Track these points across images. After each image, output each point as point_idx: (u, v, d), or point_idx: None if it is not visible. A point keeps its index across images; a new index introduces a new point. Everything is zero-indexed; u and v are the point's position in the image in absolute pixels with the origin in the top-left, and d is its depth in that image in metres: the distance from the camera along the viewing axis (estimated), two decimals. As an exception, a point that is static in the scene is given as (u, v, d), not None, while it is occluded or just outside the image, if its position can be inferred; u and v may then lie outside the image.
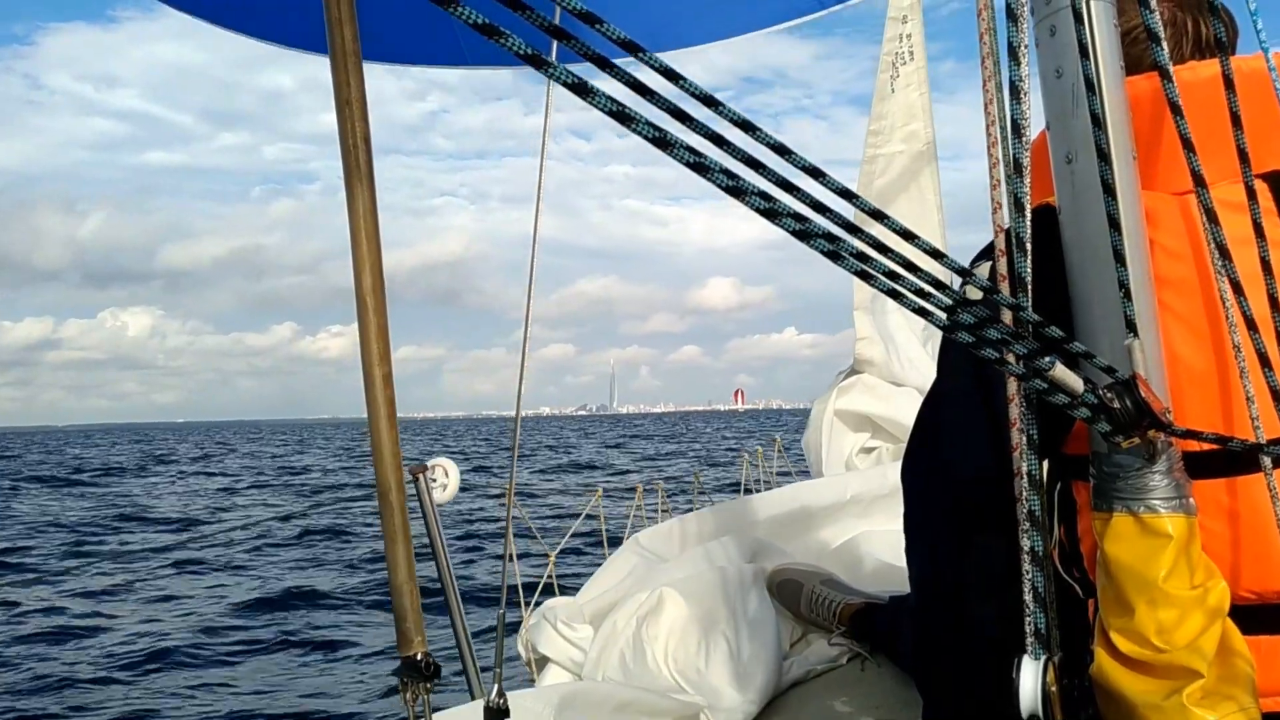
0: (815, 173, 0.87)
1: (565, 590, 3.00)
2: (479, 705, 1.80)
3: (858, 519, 3.48)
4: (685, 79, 0.79)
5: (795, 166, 0.86)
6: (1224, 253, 1.23)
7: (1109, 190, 1.16)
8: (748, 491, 4.73)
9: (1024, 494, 1.17)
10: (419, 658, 1.40)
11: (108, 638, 9.86)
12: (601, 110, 0.74)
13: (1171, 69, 1.22)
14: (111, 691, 8.04)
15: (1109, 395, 1.08)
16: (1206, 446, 1.19)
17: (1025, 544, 1.16)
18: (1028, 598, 1.15)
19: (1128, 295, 1.15)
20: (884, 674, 2.52)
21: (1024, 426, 1.17)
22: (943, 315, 0.97)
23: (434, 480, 2.20)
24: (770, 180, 0.86)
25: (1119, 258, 1.15)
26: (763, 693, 2.43)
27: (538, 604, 2.82)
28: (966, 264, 1.55)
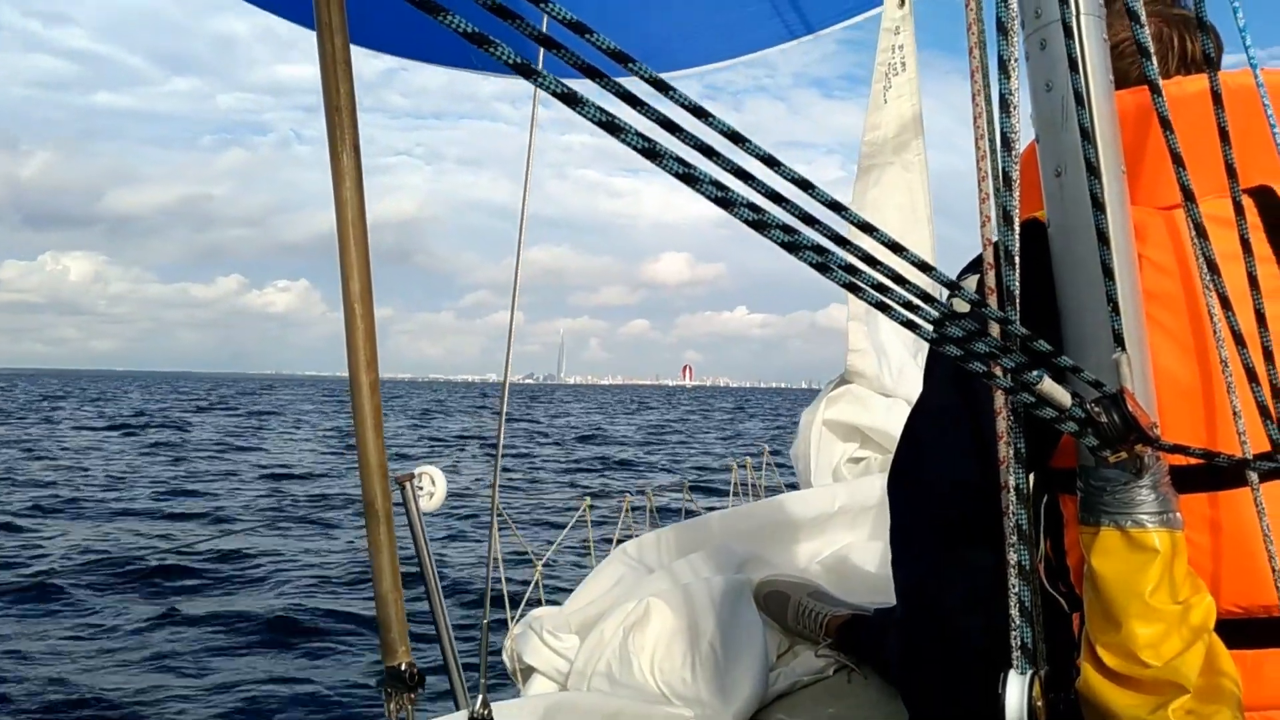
0: (804, 184, 0.87)
1: (551, 600, 2.99)
2: (463, 716, 1.79)
3: (845, 530, 3.48)
4: (675, 90, 0.79)
5: (784, 179, 0.86)
6: (1213, 268, 1.23)
7: (1098, 205, 1.16)
8: (736, 501, 4.72)
9: (1011, 508, 1.17)
10: (403, 667, 1.39)
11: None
12: (590, 120, 0.74)
13: (1161, 84, 1.22)
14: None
15: (1096, 409, 1.08)
16: (1193, 461, 1.19)
17: (1012, 558, 1.16)
18: (1014, 612, 1.15)
19: (1116, 310, 1.15)
20: (870, 686, 2.52)
21: (1011, 440, 1.17)
22: (930, 328, 0.97)
23: (420, 489, 2.18)
24: (759, 192, 0.85)
25: (1107, 272, 1.15)
26: (749, 704, 2.43)
27: (524, 613, 2.81)
28: (956, 273, 1.56)
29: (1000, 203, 1.17)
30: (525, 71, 0.71)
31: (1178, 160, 1.20)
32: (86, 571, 11.84)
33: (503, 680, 2.94)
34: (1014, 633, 1.14)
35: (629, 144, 0.77)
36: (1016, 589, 1.15)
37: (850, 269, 0.90)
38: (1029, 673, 1.13)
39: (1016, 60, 1.18)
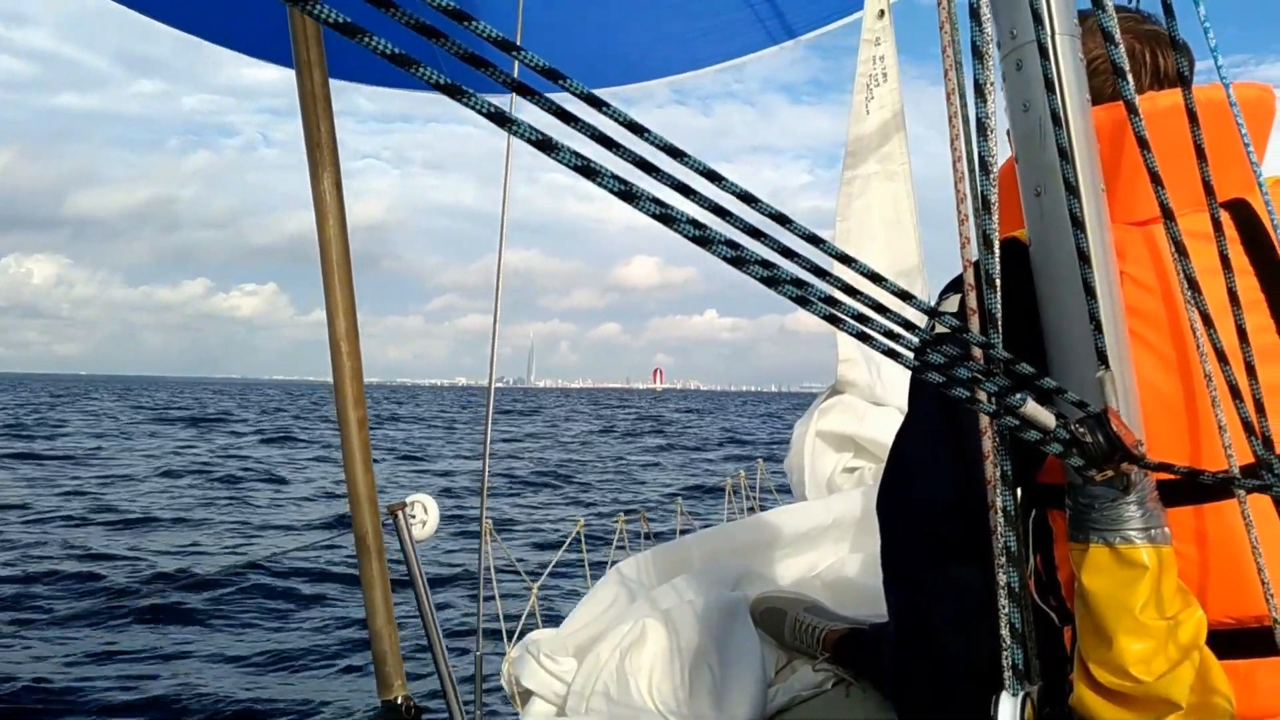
0: (781, 219, 0.88)
1: (548, 622, 2.98)
2: None
3: (841, 542, 3.47)
4: (649, 131, 0.80)
5: (762, 214, 0.87)
6: (1193, 285, 1.24)
7: (1078, 223, 1.17)
8: (730, 516, 4.72)
9: (999, 529, 1.17)
10: (399, 701, 1.39)
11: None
12: (566, 165, 0.74)
13: (1138, 103, 1.23)
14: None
15: (1081, 430, 1.09)
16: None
17: (1001, 579, 1.16)
18: (1004, 633, 1.15)
19: (1098, 327, 1.15)
20: (869, 699, 2.51)
21: (997, 461, 1.18)
22: (911, 356, 0.97)
23: (413, 517, 2.18)
24: (737, 227, 0.86)
25: (1089, 290, 1.16)
26: None
27: (520, 636, 2.80)
28: (942, 287, 1.57)
29: (980, 225, 1.17)
30: (499, 120, 0.71)
31: (1156, 179, 1.21)
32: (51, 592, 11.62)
33: (502, 705, 2.93)
34: (1005, 654, 1.15)
35: (605, 186, 0.77)
36: (1007, 611, 1.15)
37: (830, 300, 0.90)
38: (1021, 694, 1.13)
39: (992, 83, 1.18)
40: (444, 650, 2.07)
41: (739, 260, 0.84)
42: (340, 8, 0.70)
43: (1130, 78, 1.23)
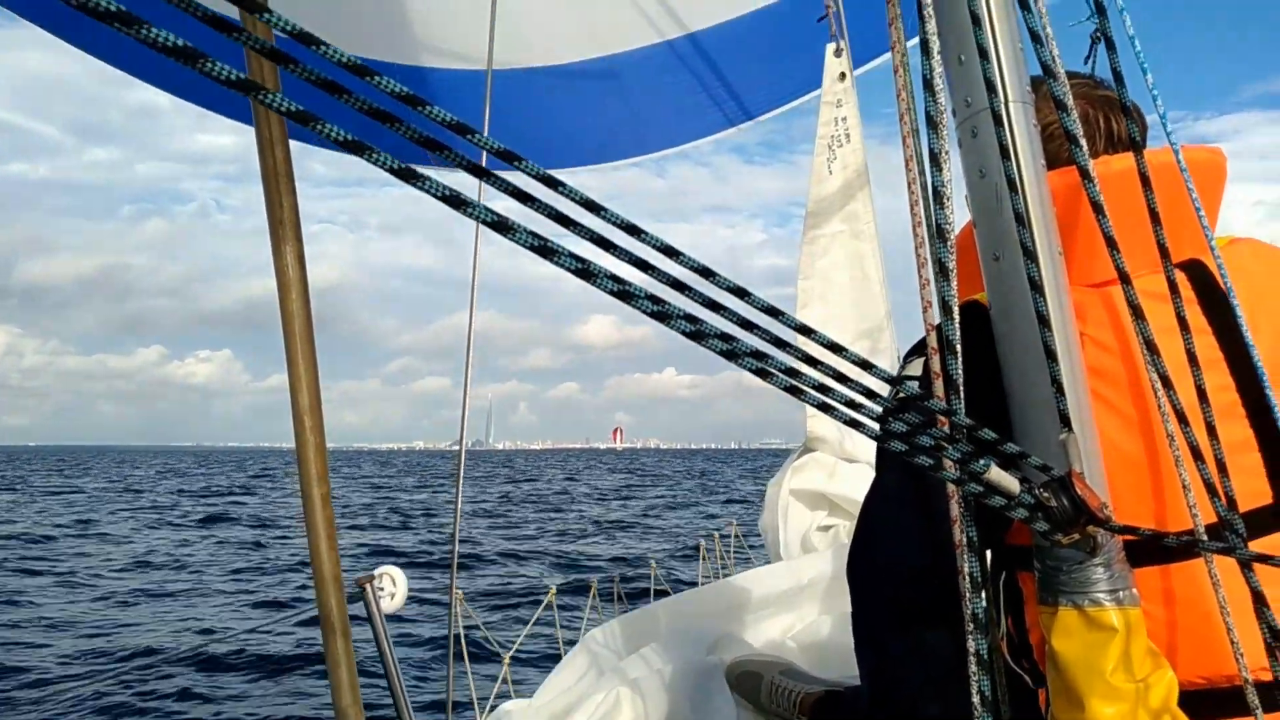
0: (740, 292, 0.88)
1: (521, 692, 2.94)
2: None
3: (817, 603, 3.45)
4: (607, 209, 0.80)
5: (720, 287, 0.87)
6: (1152, 348, 1.25)
7: (1036, 288, 1.18)
8: (705, 579, 4.69)
9: (967, 595, 1.17)
10: (366, 785, 1.36)
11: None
12: (523, 246, 0.75)
13: (1093, 169, 1.25)
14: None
15: (1045, 494, 1.09)
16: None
17: (970, 646, 1.15)
18: (975, 700, 1.14)
19: (1060, 390, 1.16)
20: None
21: (964, 527, 1.18)
22: (875, 426, 0.98)
23: (381, 589, 2.15)
24: (696, 301, 0.86)
25: (1050, 354, 1.17)
26: None
27: (493, 708, 2.76)
28: (910, 346, 1.57)
29: (939, 291, 1.18)
30: (454, 203, 0.71)
31: (1111, 244, 1.23)
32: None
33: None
34: None
35: (562, 265, 0.77)
36: (976, 678, 1.15)
37: (791, 372, 0.90)
38: None
39: (948, 152, 1.20)
40: (415, 727, 2.03)
41: (698, 335, 0.85)
42: (296, 94, 0.71)
43: (1084, 144, 1.25)
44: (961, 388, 1.18)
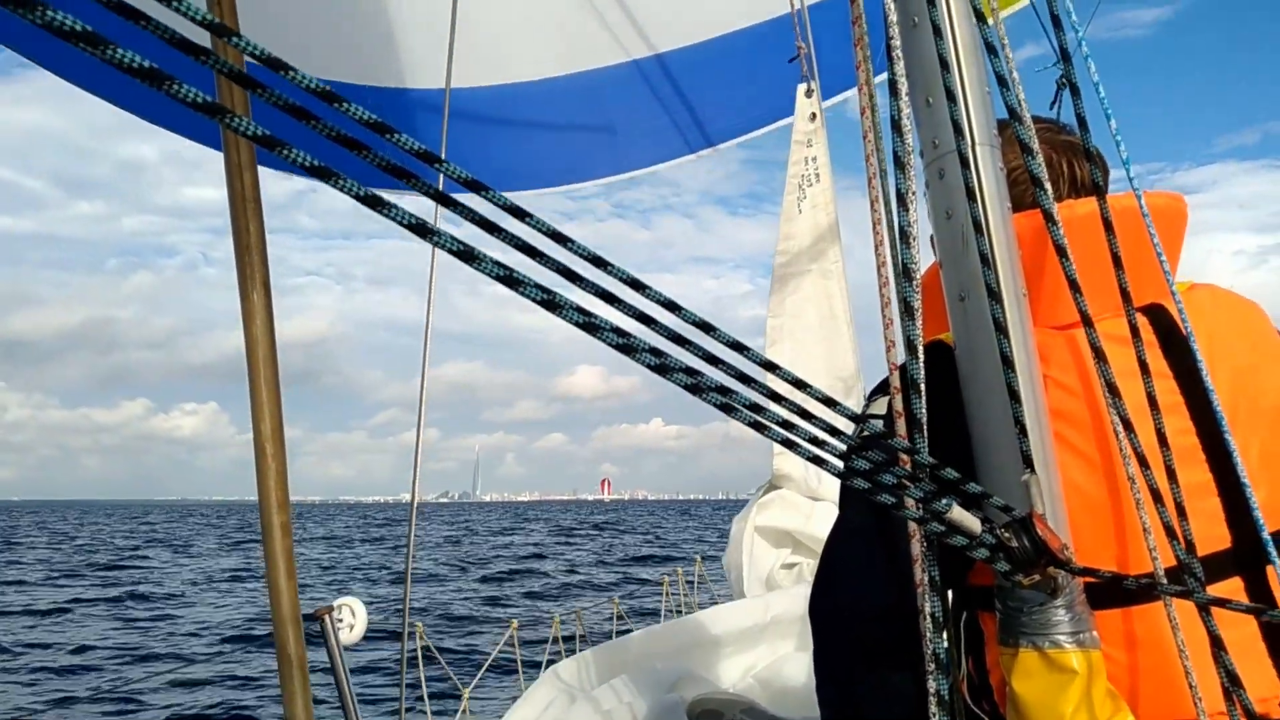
0: (706, 327, 0.88)
1: (482, 729, 2.91)
2: None
3: (779, 640, 3.45)
4: (574, 241, 0.80)
5: (686, 321, 0.87)
6: (1113, 390, 1.26)
7: (1001, 328, 1.18)
8: (669, 615, 4.67)
9: (928, 635, 1.16)
10: (319, 820, 1.34)
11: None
12: (488, 275, 0.74)
13: (1056, 212, 1.26)
14: None
15: (1006, 535, 1.09)
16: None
17: (931, 686, 1.15)
18: (936, 741, 1.14)
19: (1023, 431, 1.17)
20: None
21: (925, 566, 1.18)
22: (837, 463, 0.98)
23: (340, 621, 2.12)
24: (663, 335, 0.86)
25: (1013, 395, 1.17)
26: None
27: None
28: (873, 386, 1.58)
29: (904, 331, 1.19)
30: (420, 231, 0.71)
31: (1075, 287, 1.24)
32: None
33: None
34: None
35: (529, 296, 0.77)
36: (937, 718, 1.14)
37: (755, 407, 0.90)
38: None
39: (914, 193, 1.21)
40: (370, 761, 2.00)
41: (663, 368, 0.85)
42: (263, 120, 0.70)
43: (1049, 187, 1.27)
44: (925, 427, 1.18)
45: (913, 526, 1.19)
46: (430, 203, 0.77)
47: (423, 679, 2.91)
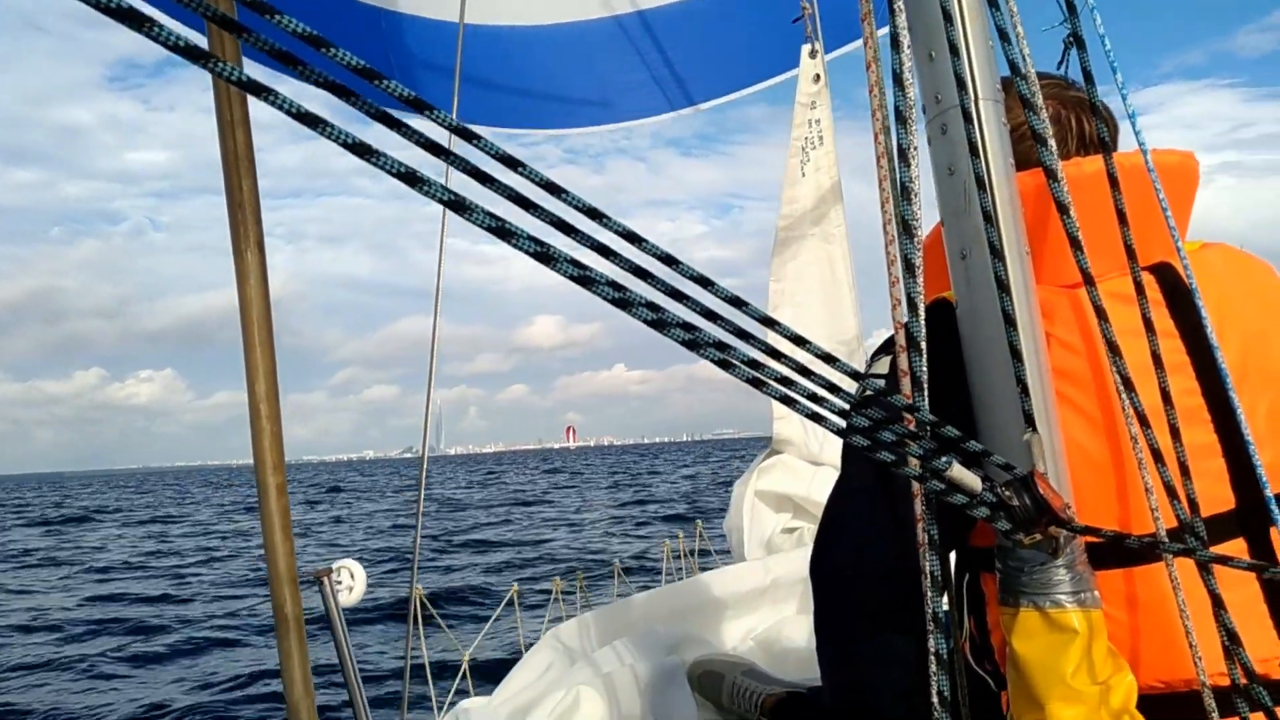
0: (704, 281, 0.87)
1: (481, 689, 2.91)
2: None
3: (780, 604, 3.45)
4: (568, 192, 0.78)
5: (684, 276, 0.86)
6: (1114, 349, 1.25)
7: (1003, 286, 1.17)
8: (669, 578, 4.68)
9: (928, 594, 1.16)
10: (318, 779, 1.34)
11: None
12: (480, 226, 0.73)
13: (1059, 169, 1.24)
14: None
15: (1007, 493, 1.08)
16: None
17: (930, 645, 1.15)
18: (935, 701, 1.13)
19: (1025, 390, 1.15)
20: None
21: (925, 525, 1.17)
22: (838, 420, 0.96)
23: (339, 583, 2.12)
24: (659, 289, 0.85)
25: (1015, 353, 1.16)
26: None
27: (451, 705, 2.74)
28: (875, 349, 1.57)
29: (906, 289, 1.17)
30: (410, 180, 0.70)
31: (1076, 244, 1.22)
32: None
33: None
34: None
35: (521, 248, 0.75)
36: (936, 678, 1.14)
37: (753, 364, 0.89)
38: None
39: (916, 148, 1.19)
40: (370, 722, 2.00)
41: (660, 323, 0.83)
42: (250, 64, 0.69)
43: (1053, 144, 1.25)
44: (926, 385, 1.17)
45: (914, 485, 1.18)
46: (419, 152, 0.75)
47: (423, 642, 2.92)
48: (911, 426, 1.06)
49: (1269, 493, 1.27)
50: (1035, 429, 1.15)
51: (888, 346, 1.48)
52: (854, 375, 1.01)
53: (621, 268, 0.82)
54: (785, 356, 0.91)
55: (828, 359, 0.94)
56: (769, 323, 0.91)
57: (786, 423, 4.51)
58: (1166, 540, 1.24)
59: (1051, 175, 1.23)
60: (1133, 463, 1.31)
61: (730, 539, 4.48)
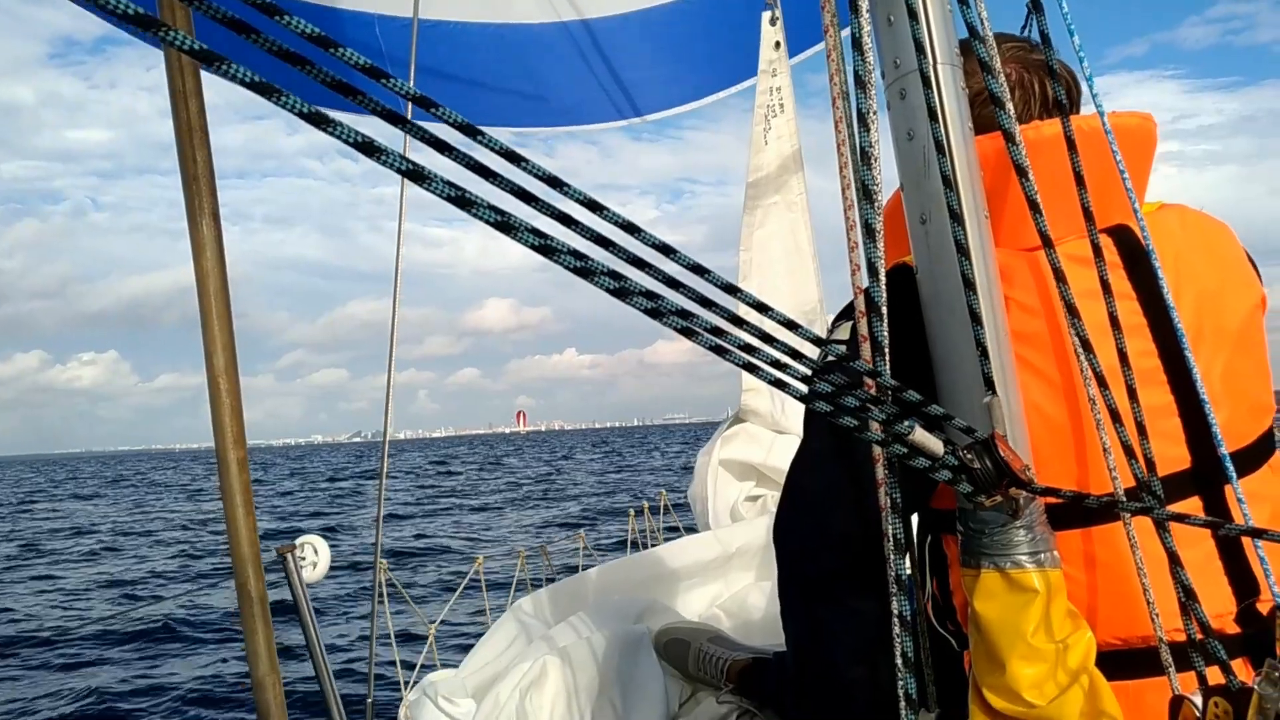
0: (666, 249, 0.86)
1: (447, 663, 2.91)
2: None
3: (744, 571, 3.47)
4: (528, 160, 0.78)
5: (645, 244, 0.85)
6: (1073, 311, 1.26)
7: (962, 250, 1.18)
8: (634, 548, 4.69)
9: (891, 557, 1.17)
10: (286, 753, 1.34)
11: None
12: (439, 195, 0.72)
13: (1017, 132, 1.25)
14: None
15: (969, 456, 1.09)
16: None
17: (894, 608, 1.16)
18: (898, 661, 1.15)
19: (985, 354, 1.16)
20: None
21: (888, 489, 1.18)
22: (800, 386, 0.97)
23: (303, 559, 2.11)
24: (621, 258, 0.84)
25: (975, 317, 1.17)
26: None
27: (418, 679, 2.73)
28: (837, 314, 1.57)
29: (866, 254, 1.18)
30: (367, 150, 0.69)
31: (1034, 207, 1.23)
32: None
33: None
34: (900, 683, 1.14)
35: (481, 217, 0.75)
36: (899, 639, 1.15)
37: (716, 331, 0.89)
38: None
39: (876, 112, 1.19)
40: (337, 697, 2.00)
41: (622, 291, 0.83)
42: (203, 35, 0.67)
43: (1010, 107, 1.25)
44: (887, 350, 1.18)
45: (876, 450, 1.19)
46: (378, 121, 0.74)
47: (389, 616, 2.91)
48: (873, 391, 1.07)
49: (1224, 451, 1.29)
50: (995, 392, 1.16)
51: (849, 312, 1.48)
52: (816, 341, 1.02)
53: (583, 236, 0.82)
54: (748, 324, 0.92)
55: (790, 325, 0.94)
56: (731, 290, 0.91)
57: (755, 394, 4.52)
58: (1124, 500, 1.25)
59: (1010, 138, 1.23)
60: (1091, 424, 1.32)
61: (694, 509, 4.49)
